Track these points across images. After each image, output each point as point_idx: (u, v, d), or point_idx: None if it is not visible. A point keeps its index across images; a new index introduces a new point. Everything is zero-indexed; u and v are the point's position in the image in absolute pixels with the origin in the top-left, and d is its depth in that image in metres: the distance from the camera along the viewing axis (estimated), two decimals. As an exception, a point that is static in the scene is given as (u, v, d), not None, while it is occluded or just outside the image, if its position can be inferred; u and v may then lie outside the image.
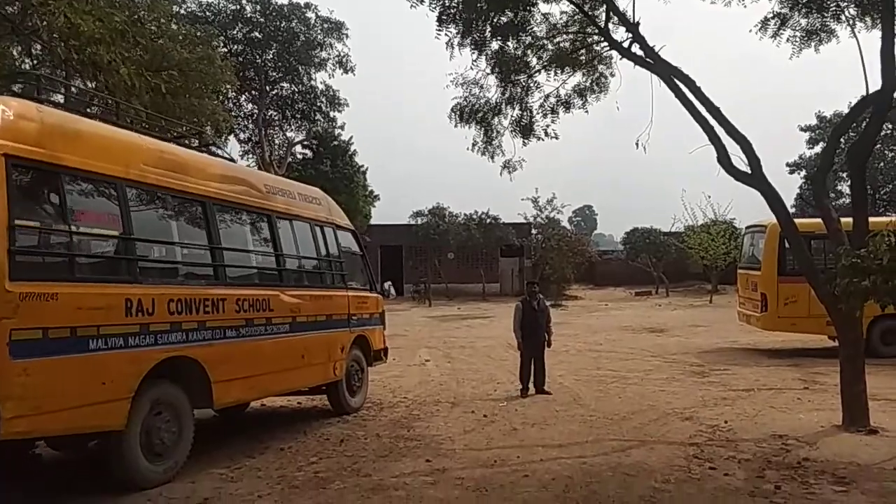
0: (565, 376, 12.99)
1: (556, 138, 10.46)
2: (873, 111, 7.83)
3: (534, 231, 37.46)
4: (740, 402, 10.25)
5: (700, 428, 8.41)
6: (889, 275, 6.55)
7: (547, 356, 11.52)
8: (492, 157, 10.53)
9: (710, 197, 44.51)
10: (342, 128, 30.85)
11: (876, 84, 7.97)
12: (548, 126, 10.26)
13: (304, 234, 8.65)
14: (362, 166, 31.63)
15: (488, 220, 36.37)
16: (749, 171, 8.68)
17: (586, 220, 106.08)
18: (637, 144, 9.75)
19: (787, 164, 39.21)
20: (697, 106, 8.59)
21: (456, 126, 10.27)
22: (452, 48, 9.38)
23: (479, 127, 10.41)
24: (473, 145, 10.75)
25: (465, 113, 10.22)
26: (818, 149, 36.15)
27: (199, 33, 21.96)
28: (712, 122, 8.67)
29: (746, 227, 18.14)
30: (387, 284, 26.00)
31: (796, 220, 9.08)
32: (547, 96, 10.09)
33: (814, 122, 37.71)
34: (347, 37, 29.24)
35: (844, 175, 34.00)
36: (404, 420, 8.89)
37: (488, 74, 9.74)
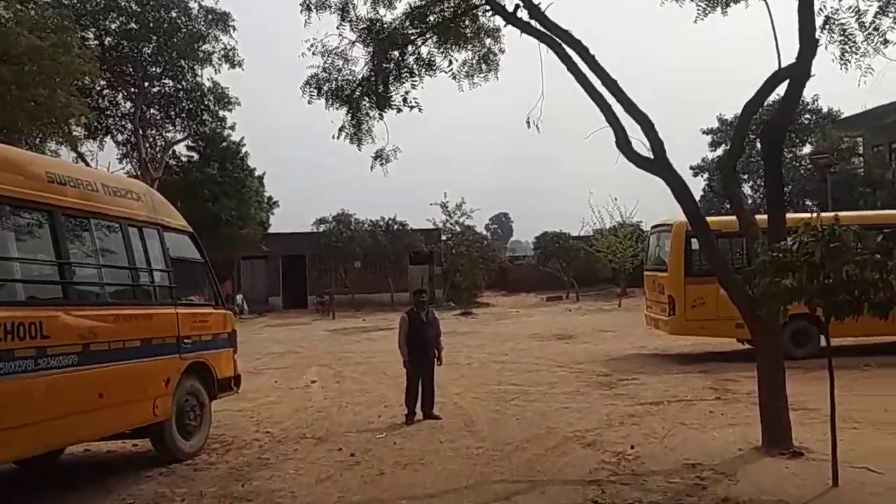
0: (463, 394, 11.64)
1: (419, 109, 9.06)
2: (790, 83, 6.86)
3: (444, 237, 36.21)
4: (649, 420, 9.14)
5: (603, 457, 7.15)
6: (817, 271, 5.44)
7: (438, 373, 10.10)
8: (359, 145, 9.02)
9: (616, 199, 44.57)
10: (232, 128, 28.64)
11: (789, 57, 7.03)
12: (407, 93, 8.82)
13: (110, 237, 6.79)
14: (254, 169, 29.44)
15: (396, 227, 34.84)
16: (651, 157, 7.53)
17: (502, 227, 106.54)
18: (528, 123, 8.49)
19: (691, 167, 39.66)
20: (592, 80, 7.39)
21: (310, 103, 8.70)
22: (310, 11, 7.82)
23: (344, 107, 8.87)
24: (341, 130, 9.21)
25: (327, 89, 8.66)
26: (720, 151, 36.65)
27: (53, 18, 19.43)
28: (610, 99, 7.48)
29: (652, 227, 17.38)
30: (239, 297, 23.93)
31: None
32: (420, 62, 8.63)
33: (716, 125, 38.29)
34: (234, 28, 27.06)
35: (745, 177, 34.58)
36: (247, 468, 7.17)
37: (353, 44, 8.24)
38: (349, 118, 8.96)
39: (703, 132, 38.76)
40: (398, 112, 8.80)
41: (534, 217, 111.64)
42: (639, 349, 16.74)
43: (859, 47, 6.91)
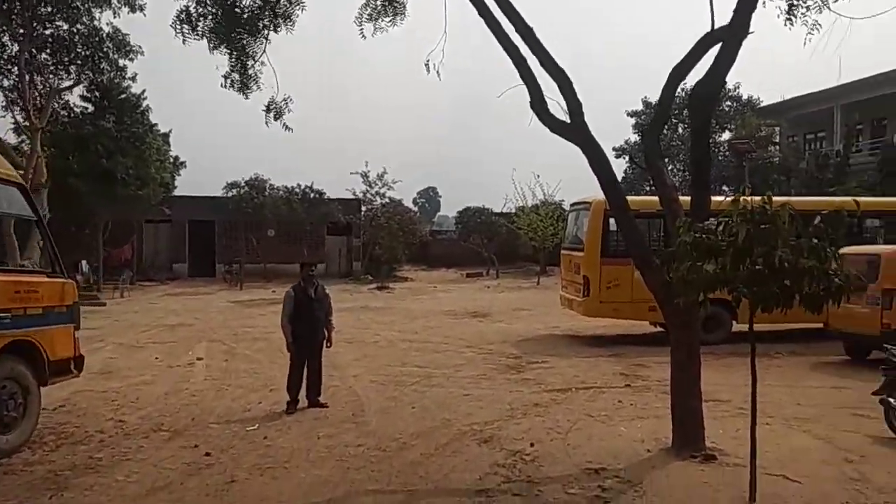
0: (361, 377, 10.66)
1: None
2: (723, 45, 6.07)
3: (364, 208, 34.82)
4: (554, 410, 8.41)
5: (498, 457, 6.32)
6: (744, 256, 4.67)
7: (337, 354, 9.04)
8: (245, 93, 7.75)
9: (539, 176, 44.24)
10: (133, 79, 26.17)
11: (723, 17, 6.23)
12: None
13: None
14: (156, 125, 27.07)
15: (313, 195, 33.15)
16: (568, 121, 6.63)
17: (430, 202, 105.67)
18: (427, 67, 7.45)
19: (614, 149, 39.57)
20: (505, 27, 6.39)
21: (184, 42, 7.36)
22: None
23: (228, 50, 7.58)
24: (226, 78, 7.91)
25: (204, 27, 7.33)
26: (636, 137, 36.68)
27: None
28: (525, 52, 6.51)
29: (571, 205, 16.76)
30: (83, 263, 21.89)
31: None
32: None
33: (640, 107, 38.29)
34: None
35: (665, 161, 34.73)
36: (69, 472, 5.91)
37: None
38: (233, 62, 7.67)
39: (628, 114, 38.71)
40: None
41: (462, 192, 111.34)
42: (552, 330, 16.17)
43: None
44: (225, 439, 7.03)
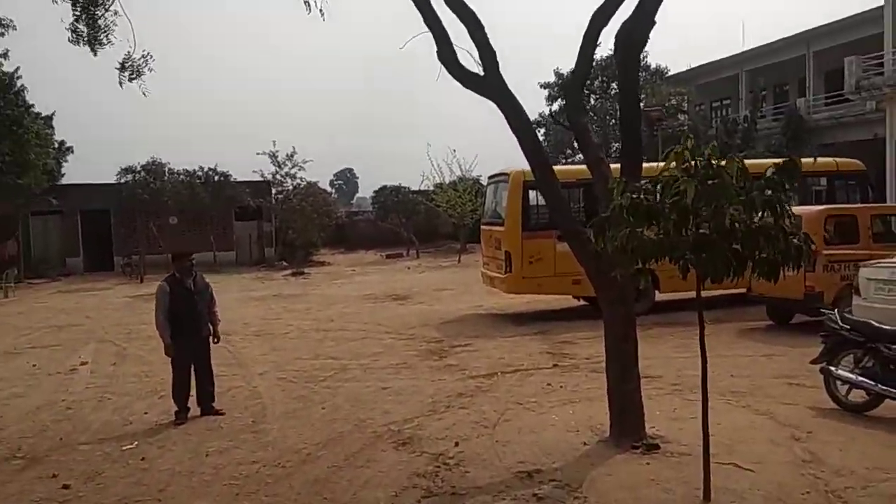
0: (267, 374, 9.63)
1: None
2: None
3: (273, 191, 33.11)
4: (480, 400, 7.68)
5: (418, 465, 5.50)
6: (689, 218, 3.98)
7: (241, 349, 7.98)
8: (94, 49, 6.50)
9: (455, 151, 43.53)
10: (5, 56, 23.56)
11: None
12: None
13: None
14: (32, 106, 24.51)
15: (217, 178, 31.18)
16: (482, 74, 5.79)
17: (348, 184, 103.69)
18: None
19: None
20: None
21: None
22: None
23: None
24: (73, 32, 6.61)
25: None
26: (556, 106, 36.49)
27: None
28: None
29: (489, 177, 16.03)
30: None
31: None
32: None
33: (553, 79, 38.07)
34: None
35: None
36: None
37: None
38: (78, 10, 6.39)
39: (541, 86, 38.45)
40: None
41: (381, 173, 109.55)
42: (475, 309, 15.50)
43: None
44: (93, 464, 5.91)
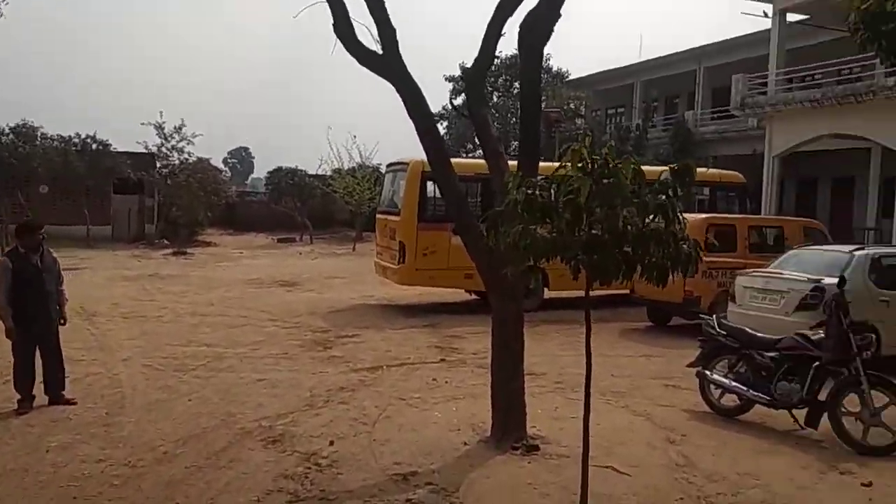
0: (132, 360, 8.87)
1: None
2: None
3: (158, 164, 31.10)
4: (362, 394, 7.36)
5: (287, 465, 5.12)
6: (583, 217, 3.83)
7: (105, 332, 7.25)
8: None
9: (355, 137, 42.68)
10: None
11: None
12: None
13: None
14: None
15: (95, 146, 28.90)
16: (380, 52, 5.45)
17: (243, 163, 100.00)
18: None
19: (433, 114, 39.25)
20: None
21: None
22: None
23: None
24: None
25: None
26: (459, 101, 36.55)
27: None
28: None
29: (388, 166, 15.69)
30: None
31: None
32: None
33: (457, 73, 38.10)
34: None
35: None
36: None
37: None
38: None
39: (446, 79, 38.41)
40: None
41: (278, 153, 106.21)
42: (366, 299, 15.13)
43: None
44: None
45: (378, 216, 15.22)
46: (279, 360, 9.15)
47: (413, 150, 5.88)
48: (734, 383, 6.59)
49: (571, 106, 32.88)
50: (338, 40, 5.38)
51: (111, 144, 29.43)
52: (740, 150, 24.83)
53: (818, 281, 8.58)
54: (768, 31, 22.92)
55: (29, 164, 26.69)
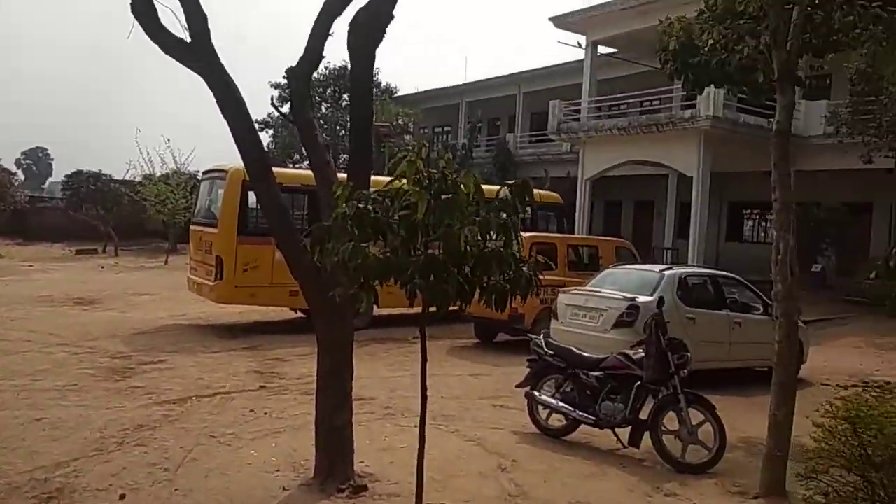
0: None
1: None
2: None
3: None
4: (165, 432, 6.45)
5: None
6: (418, 236, 3.48)
7: None
8: None
9: (169, 141, 39.77)
10: None
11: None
12: None
13: None
14: None
15: None
16: (189, 39, 4.75)
17: (39, 164, 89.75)
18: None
19: (257, 122, 37.60)
20: None
21: None
22: None
23: None
24: None
25: None
26: (286, 108, 35.31)
27: None
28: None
29: (204, 172, 14.51)
30: None
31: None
32: None
33: (283, 80, 36.84)
34: None
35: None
36: None
37: None
38: None
39: (272, 86, 37.00)
40: None
41: (85, 156, 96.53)
42: (178, 319, 13.77)
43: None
44: None
45: (192, 227, 13.97)
46: (66, 392, 7.86)
47: (234, 156, 5.25)
48: (561, 403, 6.60)
49: (401, 122, 33.02)
50: (136, 22, 4.60)
51: None
52: (556, 172, 26.27)
53: (633, 299, 8.98)
54: (582, 61, 24.53)
55: None
